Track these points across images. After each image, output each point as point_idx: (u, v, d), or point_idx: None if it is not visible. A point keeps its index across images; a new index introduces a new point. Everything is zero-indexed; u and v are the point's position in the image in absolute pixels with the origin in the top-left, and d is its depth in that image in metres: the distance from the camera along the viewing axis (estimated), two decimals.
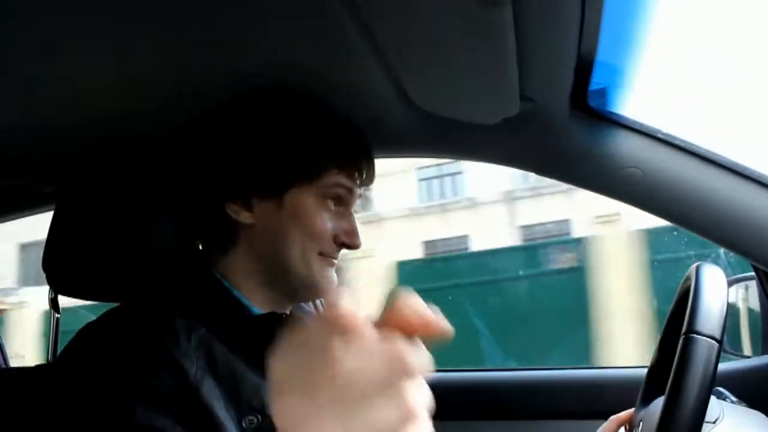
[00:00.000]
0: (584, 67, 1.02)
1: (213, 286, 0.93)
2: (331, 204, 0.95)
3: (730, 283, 1.40)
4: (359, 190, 1.00)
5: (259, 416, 0.81)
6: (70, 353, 0.86)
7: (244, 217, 0.93)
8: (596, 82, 1.08)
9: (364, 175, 0.99)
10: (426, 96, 1.06)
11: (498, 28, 0.82)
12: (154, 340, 0.81)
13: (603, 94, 1.13)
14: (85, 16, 0.79)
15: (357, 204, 1.01)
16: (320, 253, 0.94)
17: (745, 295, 1.48)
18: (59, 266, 1.10)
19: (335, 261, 0.97)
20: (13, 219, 1.55)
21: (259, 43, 0.90)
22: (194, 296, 0.91)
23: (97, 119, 1.09)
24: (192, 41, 0.87)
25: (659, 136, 1.15)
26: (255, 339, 0.85)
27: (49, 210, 1.15)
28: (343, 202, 0.97)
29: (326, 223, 0.94)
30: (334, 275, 0.97)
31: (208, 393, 0.79)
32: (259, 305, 0.95)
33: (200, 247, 1.02)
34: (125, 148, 1.12)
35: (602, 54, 1.02)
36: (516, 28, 0.84)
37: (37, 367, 1.22)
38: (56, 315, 1.27)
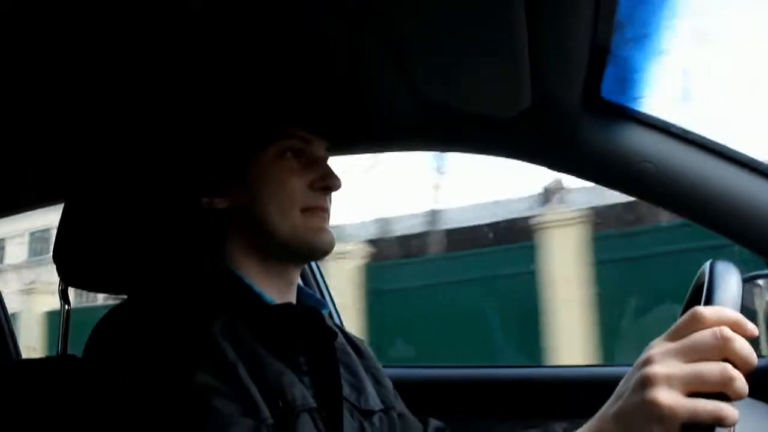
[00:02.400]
0: (598, 59, 1.01)
1: (228, 277, 0.94)
2: (292, 159, 0.96)
3: (745, 281, 1.38)
4: (320, 141, 1.00)
5: (281, 402, 0.82)
6: (100, 344, 0.87)
7: (219, 203, 0.95)
8: (610, 74, 1.07)
9: (312, 122, 1.00)
10: (438, 88, 1.05)
11: (511, 18, 0.82)
12: (189, 323, 0.82)
13: (617, 87, 1.12)
14: None
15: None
16: (303, 210, 0.95)
17: (761, 293, 1.46)
18: (69, 258, 1.10)
19: (323, 211, 0.97)
20: (25, 211, 1.57)
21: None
22: (210, 287, 0.92)
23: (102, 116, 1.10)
24: None
25: (673, 130, 1.14)
26: (272, 328, 0.88)
27: (60, 203, 1.16)
28: (304, 155, 0.97)
29: (291, 176, 0.95)
30: (327, 227, 0.98)
31: (243, 374, 0.80)
32: (268, 291, 0.95)
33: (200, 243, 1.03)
34: (130, 144, 1.13)
35: (617, 46, 1.00)
36: (528, 18, 0.83)
37: (53, 358, 1.23)
38: (66, 307, 1.27)
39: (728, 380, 0.59)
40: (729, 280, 0.82)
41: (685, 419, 0.59)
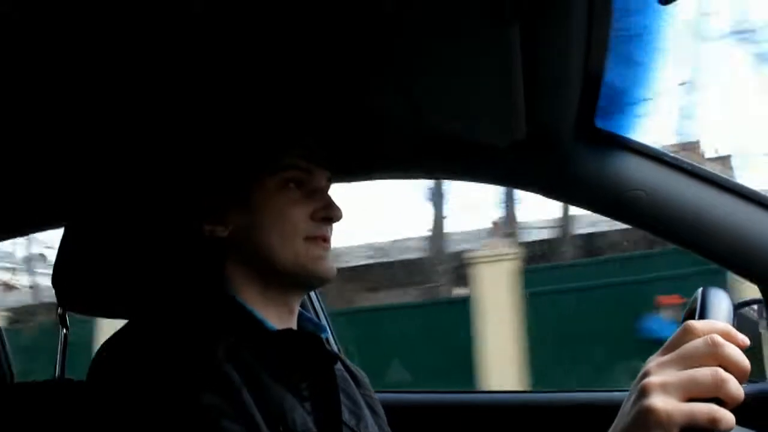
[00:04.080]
0: (591, 88, 1.03)
1: (230, 303, 0.95)
2: (294, 189, 0.97)
3: (737, 307, 1.39)
4: (322, 172, 1.01)
5: (282, 427, 0.83)
6: (106, 368, 0.87)
7: (220, 231, 0.96)
8: (603, 104, 1.09)
9: (314, 153, 1.01)
10: (437, 118, 1.07)
11: (506, 47, 0.84)
12: (194, 347, 0.83)
13: (610, 116, 1.14)
14: None
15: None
16: (305, 239, 0.96)
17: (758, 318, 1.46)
18: (68, 283, 1.11)
19: (324, 240, 0.98)
20: (24, 235, 1.58)
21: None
22: (212, 313, 0.93)
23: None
24: None
25: (665, 158, 1.16)
26: (274, 354, 0.89)
27: (60, 227, 1.17)
28: (305, 186, 0.98)
29: (293, 206, 0.96)
30: (328, 256, 0.99)
31: (247, 399, 0.81)
32: (270, 318, 0.96)
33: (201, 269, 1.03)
34: (132, 169, 1.15)
35: (610, 76, 1.02)
36: (522, 48, 0.86)
37: (51, 381, 1.23)
38: (64, 331, 1.28)
39: (721, 382, 0.61)
40: (720, 303, 0.83)
41: (683, 423, 0.60)
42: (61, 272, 1.11)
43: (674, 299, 5.93)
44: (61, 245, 1.11)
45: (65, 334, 1.28)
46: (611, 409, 0.71)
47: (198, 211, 0.96)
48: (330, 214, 0.98)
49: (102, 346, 0.89)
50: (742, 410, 0.81)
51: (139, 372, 0.82)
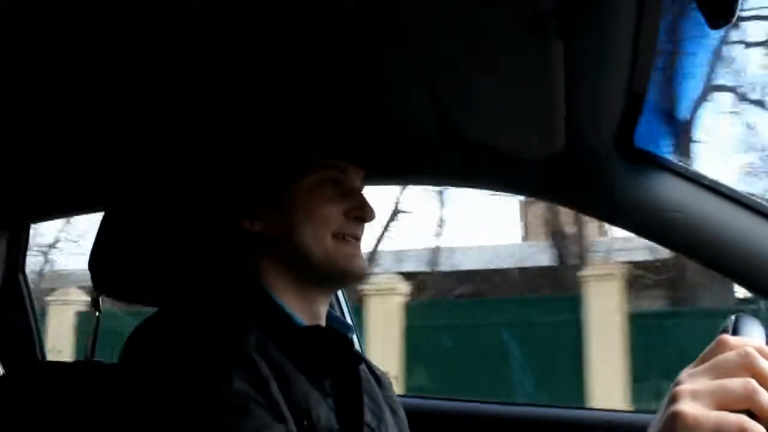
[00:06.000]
0: (633, 107, 1.02)
1: (261, 296, 0.96)
2: (330, 188, 0.99)
3: None
4: (357, 171, 1.03)
5: (306, 421, 0.84)
6: (138, 352, 0.89)
7: (256, 226, 0.98)
8: (644, 123, 1.08)
9: (350, 153, 1.02)
10: (475, 128, 1.07)
11: (548, 61, 0.84)
12: (226, 336, 0.85)
13: (650, 136, 1.13)
14: None
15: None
16: (334, 235, 0.97)
17: None
18: (104, 268, 1.13)
19: (355, 240, 1.00)
20: (63, 217, 1.62)
21: None
22: (243, 304, 0.94)
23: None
24: None
25: (705, 182, 1.14)
26: (301, 349, 0.91)
27: (99, 211, 1.19)
28: (341, 185, 1.00)
29: (328, 204, 0.98)
30: (360, 254, 1.00)
31: (274, 389, 0.83)
32: (299, 313, 0.97)
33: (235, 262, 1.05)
34: (173, 160, 1.17)
35: (653, 95, 1.01)
36: (566, 62, 0.85)
37: (80, 362, 1.26)
38: (97, 314, 1.30)
39: (753, 393, 0.59)
40: (752, 327, 0.82)
41: (710, 431, 0.59)
42: (97, 257, 1.13)
43: None
44: (100, 230, 1.13)
45: (98, 318, 1.31)
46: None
47: (234, 207, 0.98)
48: (363, 213, 1.00)
49: (135, 330, 0.91)
50: None
51: (171, 357, 0.84)
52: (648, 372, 6.39)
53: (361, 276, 1.01)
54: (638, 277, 7.94)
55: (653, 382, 6.29)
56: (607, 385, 6.49)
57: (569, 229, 9.12)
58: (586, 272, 7.41)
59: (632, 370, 6.55)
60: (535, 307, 7.49)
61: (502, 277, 9.62)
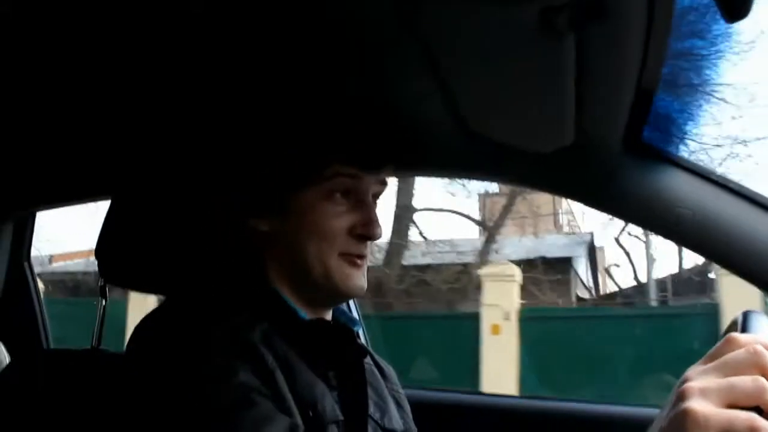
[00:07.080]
0: (642, 102, 1.02)
1: (266, 291, 0.96)
2: (340, 199, 0.95)
3: None
4: (371, 178, 0.98)
5: (311, 412, 0.85)
6: (144, 341, 0.90)
7: (262, 226, 0.96)
8: (653, 119, 1.08)
9: (364, 159, 0.97)
10: (484, 122, 1.07)
11: (559, 55, 0.83)
12: (232, 327, 0.85)
13: (659, 131, 1.13)
14: None
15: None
16: (340, 254, 0.95)
17: None
18: (110, 256, 1.13)
19: (360, 261, 0.97)
20: (71, 205, 1.62)
21: None
22: (248, 297, 0.94)
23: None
24: None
25: (713, 178, 1.14)
26: (306, 341, 0.91)
27: (106, 199, 1.19)
28: (353, 195, 0.96)
29: (334, 219, 0.94)
30: (361, 274, 0.97)
31: (280, 381, 0.83)
32: (303, 309, 0.97)
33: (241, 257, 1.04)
34: (182, 150, 1.17)
35: (663, 92, 1.01)
36: (577, 57, 0.85)
37: (86, 350, 1.26)
38: (103, 302, 1.31)
39: (762, 390, 0.59)
40: (762, 322, 0.82)
41: (721, 429, 0.59)
42: (104, 244, 1.13)
43: None
44: (107, 218, 1.13)
45: (104, 306, 1.31)
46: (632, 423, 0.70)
47: (242, 204, 0.97)
48: (368, 232, 0.96)
49: (142, 320, 0.91)
50: None
51: (177, 347, 0.84)
52: None
53: (358, 294, 0.99)
54: None
55: None
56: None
57: None
58: None
59: None
60: None
61: None
